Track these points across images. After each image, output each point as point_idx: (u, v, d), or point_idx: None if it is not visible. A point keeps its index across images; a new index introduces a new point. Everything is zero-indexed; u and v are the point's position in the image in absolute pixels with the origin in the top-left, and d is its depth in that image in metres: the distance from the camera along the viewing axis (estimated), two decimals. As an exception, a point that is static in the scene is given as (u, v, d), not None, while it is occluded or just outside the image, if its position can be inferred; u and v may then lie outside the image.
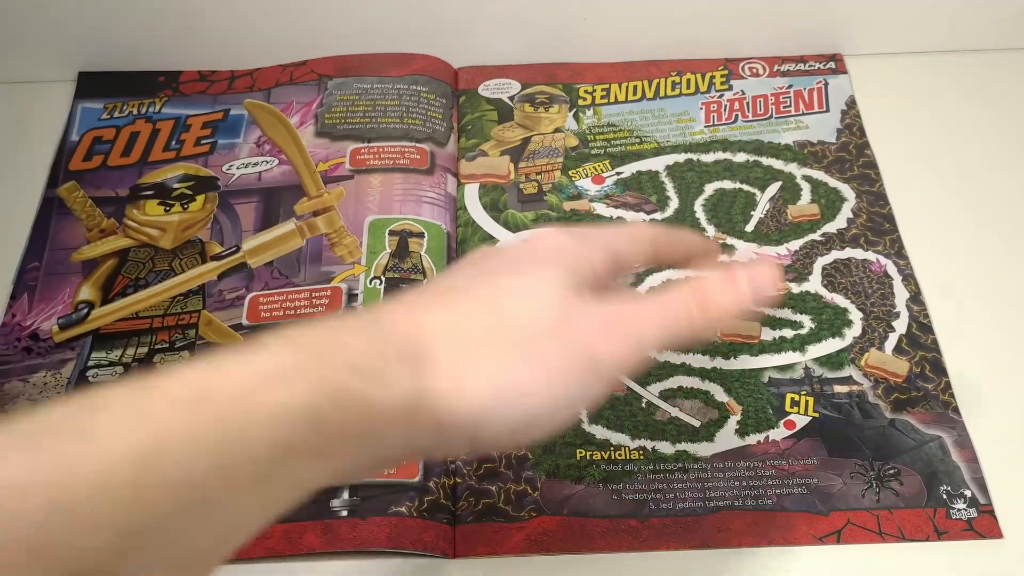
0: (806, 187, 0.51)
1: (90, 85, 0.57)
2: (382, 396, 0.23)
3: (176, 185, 0.53)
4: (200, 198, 0.52)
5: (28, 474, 0.18)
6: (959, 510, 0.40)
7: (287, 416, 0.21)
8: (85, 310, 0.48)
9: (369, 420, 0.23)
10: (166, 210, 0.52)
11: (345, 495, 0.40)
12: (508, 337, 0.25)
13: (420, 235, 0.49)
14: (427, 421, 0.24)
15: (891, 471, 0.41)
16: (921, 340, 0.45)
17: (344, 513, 0.39)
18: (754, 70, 0.57)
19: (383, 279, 0.47)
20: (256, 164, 0.53)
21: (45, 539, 0.17)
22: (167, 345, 0.46)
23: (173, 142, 0.55)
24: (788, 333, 0.46)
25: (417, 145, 0.53)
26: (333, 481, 0.24)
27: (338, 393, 0.22)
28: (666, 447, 0.42)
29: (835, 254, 0.49)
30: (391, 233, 0.49)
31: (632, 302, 0.28)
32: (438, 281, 0.28)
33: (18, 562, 0.17)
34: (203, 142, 0.55)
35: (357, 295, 0.47)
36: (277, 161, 0.53)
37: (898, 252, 0.49)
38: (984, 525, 0.39)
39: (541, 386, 0.25)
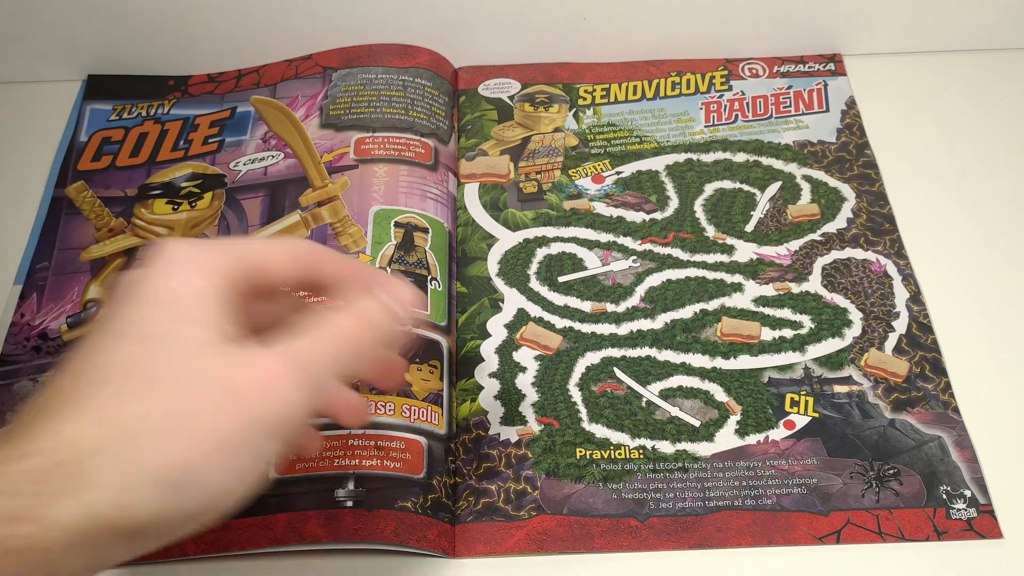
0: (806, 187, 0.51)
1: (99, 87, 0.58)
2: (48, 536, 0.22)
3: (184, 184, 0.53)
4: (208, 196, 0.53)
5: None
6: (959, 510, 0.40)
7: None
8: (94, 309, 0.48)
9: (44, 556, 0.22)
10: (174, 209, 0.52)
11: (350, 485, 0.40)
12: (161, 425, 0.23)
13: (425, 230, 0.50)
14: (108, 536, 0.23)
15: (891, 471, 0.41)
16: (921, 340, 0.45)
17: (349, 504, 0.40)
18: (754, 71, 0.57)
19: (389, 270, 0.48)
20: (262, 159, 0.54)
21: None
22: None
23: (181, 142, 0.55)
24: (788, 333, 0.46)
25: (422, 139, 0.53)
26: None
27: None
28: (666, 446, 0.42)
29: (835, 254, 0.49)
30: (396, 225, 0.49)
31: (296, 338, 0.26)
32: (74, 367, 0.25)
33: None
34: (211, 140, 0.55)
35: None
36: (283, 155, 0.54)
37: (898, 252, 0.49)
38: (984, 525, 0.39)
39: (210, 468, 0.24)
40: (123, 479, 0.23)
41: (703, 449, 0.42)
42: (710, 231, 0.50)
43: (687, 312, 0.47)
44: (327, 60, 0.57)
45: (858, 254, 0.49)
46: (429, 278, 0.47)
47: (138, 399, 0.23)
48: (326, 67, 0.57)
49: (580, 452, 0.42)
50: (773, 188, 0.52)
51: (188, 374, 0.24)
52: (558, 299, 0.48)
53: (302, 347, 0.26)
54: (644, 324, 0.46)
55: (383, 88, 0.55)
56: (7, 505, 0.22)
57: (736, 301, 0.47)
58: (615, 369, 0.45)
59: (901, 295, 0.47)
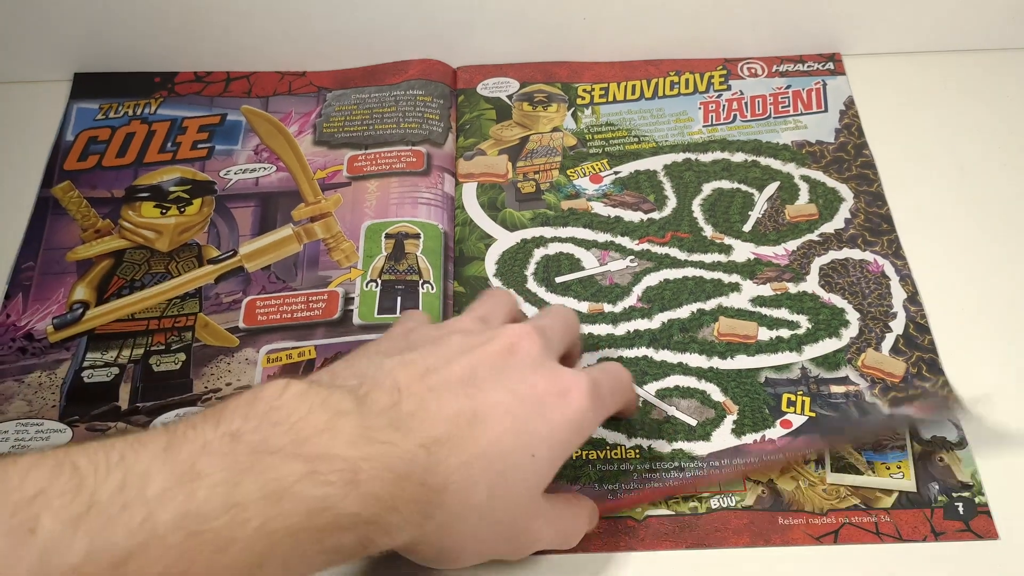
0: (804, 187, 0.51)
1: (85, 86, 0.57)
2: (379, 546, 0.29)
3: (172, 188, 0.53)
4: (197, 202, 0.52)
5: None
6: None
7: (338, 556, 0.28)
8: (80, 310, 0.48)
9: (384, 544, 0.29)
10: (162, 212, 0.52)
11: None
12: (495, 518, 0.31)
13: (416, 236, 0.49)
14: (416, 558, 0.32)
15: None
16: (918, 340, 0.45)
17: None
18: (752, 70, 0.57)
19: (379, 282, 0.47)
20: (254, 170, 0.53)
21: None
22: (163, 347, 0.46)
23: (169, 144, 0.55)
24: (785, 333, 0.45)
25: (413, 148, 0.53)
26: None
27: (371, 547, 0.28)
28: (662, 446, 0.42)
29: (832, 254, 0.48)
30: (387, 236, 0.49)
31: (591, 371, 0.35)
32: (472, 374, 0.32)
33: None
34: (200, 146, 0.55)
35: (353, 298, 0.47)
36: (275, 168, 0.53)
37: (896, 252, 0.49)
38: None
39: (485, 551, 0.33)
40: (456, 545, 0.31)
41: (699, 448, 0.42)
42: (708, 231, 0.50)
43: (684, 312, 0.46)
44: (321, 80, 0.57)
45: (856, 254, 0.48)
46: (421, 282, 0.47)
47: (494, 474, 0.31)
48: (320, 87, 0.57)
49: (576, 452, 0.41)
50: (771, 188, 0.51)
51: (524, 491, 0.32)
52: (555, 300, 0.47)
53: (595, 376, 0.34)
54: (641, 324, 0.46)
55: (376, 106, 0.55)
56: (394, 522, 0.28)
57: (733, 301, 0.47)
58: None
59: (898, 295, 0.47)
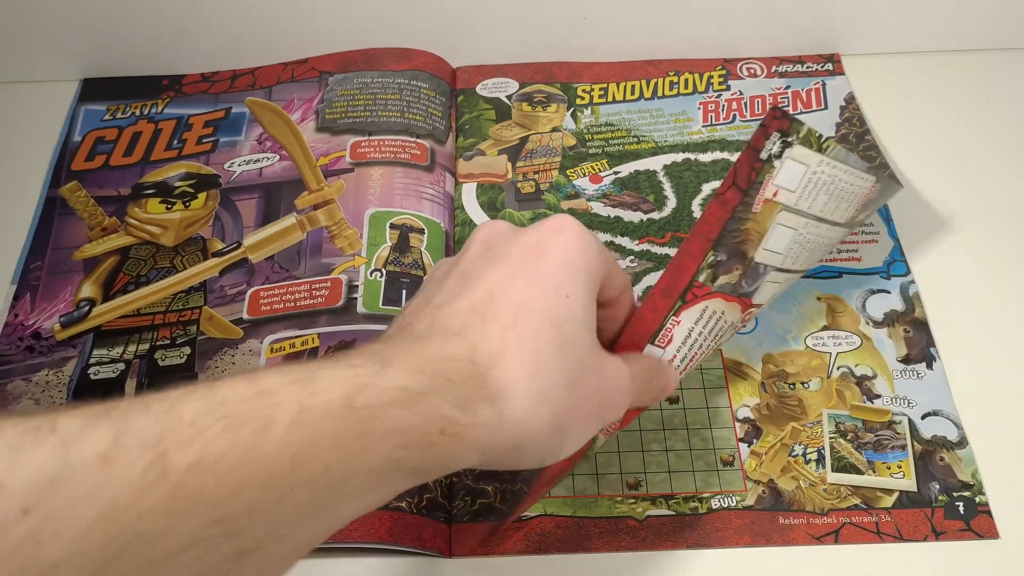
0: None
1: (94, 89, 0.58)
2: (471, 430, 0.26)
3: (178, 183, 0.53)
4: (202, 196, 0.52)
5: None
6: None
7: (406, 441, 0.24)
8: (87, 307, 0.48)
9: (458, 449, 0.26)
10: (168, 208, 0.52)
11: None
12: (571, 362, 0.28)
13: (421, 231, 0.49)
14: (497, 448, 0.27)
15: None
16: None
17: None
18: (752, 70, 0.57)
19: (383, 272, 0.47)
20: (257, 160, 0.53)
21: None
22: (168, 341, 0.46)
23: (175, 141, 0.55)
24: (786, 333, 0.46)
25: (418, 140, 0.53)
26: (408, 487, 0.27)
27: (446, 425, 0.25)
28: (664, 447, 0.42)
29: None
30: (392, 227, 0.49)
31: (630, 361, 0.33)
32: (477, 272, 0.30)
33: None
34: (205, 140, 0.55)
35: (357, 286, 0.47)
36: (278, 157, 0.54)
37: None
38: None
39: (585, 415, 0.29)
40: (532, 406, 0.27)
41: (701, 449, 0.42)
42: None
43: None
44: (323, 64, 0.57)
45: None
46: (425, 278, 0.47)
47: (552, 354, 0.28)
48: (322, 71, 0.57)
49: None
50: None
51: (585, 343, 0.29)
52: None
53: (635, 369, 0.32)
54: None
55: (379, 92, 0.55)
56: (456, 392, 0.26)
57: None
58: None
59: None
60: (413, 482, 0.26)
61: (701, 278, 0.33)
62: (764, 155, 0.31)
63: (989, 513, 0.40)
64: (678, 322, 0.34)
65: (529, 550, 0.39)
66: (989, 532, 0.39)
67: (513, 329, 0.28)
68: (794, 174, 0.32)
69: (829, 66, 0.57)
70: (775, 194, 0.32)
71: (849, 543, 0.39)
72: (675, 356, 0.35)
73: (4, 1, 0.54)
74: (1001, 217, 0.50)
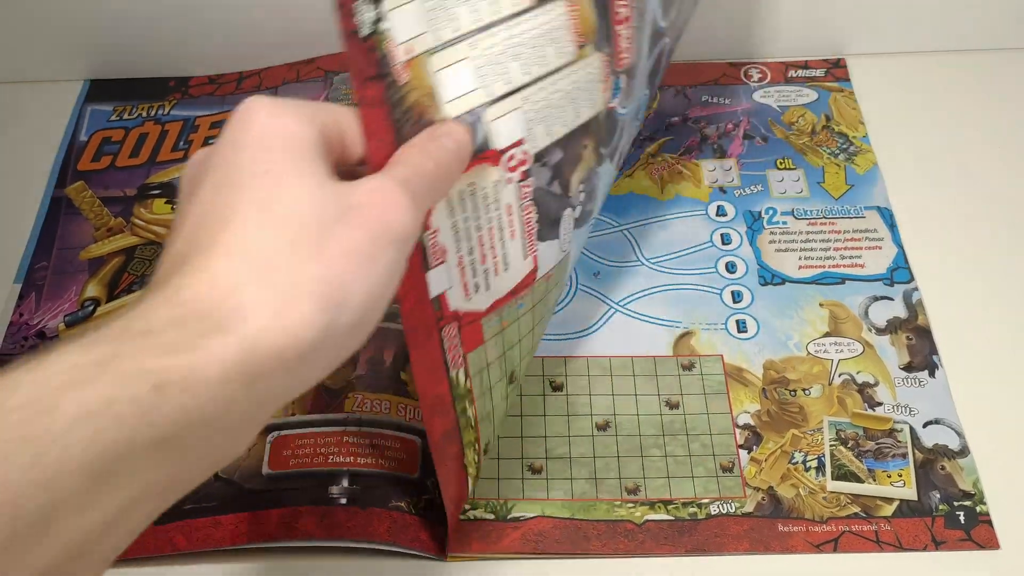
0: (809, 193, 0.51)
1: (101, 90, 0.58)
2: (206, 364, 0.21)
3: (183, 185, 0.53)
4: (208, 197, 0.53)
5: None
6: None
7: (94, 418, 0.20)
8: (91, 307, 0.48)
9: (204, 393, 0.21)
10: (173, 208, 0.52)
11: (344, 482, 0.40)
12: (300, 250, 0.24)
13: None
14: (272, 365, 0.22)
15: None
16: (922, 347, 0.45)
17: (343, 501, 0.40)
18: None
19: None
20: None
21: None
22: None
23: (181, 142, 0.55)
24: (788, 339, 0.46)
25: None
26: (207, 469, 0.23)
27: (154, 377, 0.21)
28: (663, 452, 0.42)
29: (836, 259, 0.49)
30: None
31: (396, 167, 0.27)
32: (196, 214, 0.25)
33: None
34: (211, 141, 0.55)
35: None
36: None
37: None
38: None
39: (355, 278, 0.24)
40: (278, 302, 0.23)
41: (701, 455, 0.42)
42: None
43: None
44: (329, 64, 0.57)
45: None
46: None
47: (271, 233, 0.24)
48: (327, 71, 0.57)
49: (577, 456, 0.41)
50: (774, 193, 0.51)
51: (310, 201, 0.25)
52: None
53: (405, 172, 0.27)
54: (643, 328, 0.46)
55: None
56: (161, 341, 0.21)
57: (736, 306, 0.47)
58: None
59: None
60: (184, 459, 0.22)
61: None
62: (365, 31, 0.27)
63: (990, 523, 0.39)
64: None
65: (526, 552, 0.39)
66: (990, 542, 0.39)
67: (225, 235, 0.24)
68: (408, 18, 0.27)
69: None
70: (410, 52, 0.27)
71: (848, 551, 0.39)
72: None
73: (12, 1, 0.54)
74: (1006, 225, 0.50)
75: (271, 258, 0.23)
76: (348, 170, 0.27)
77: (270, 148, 0.25)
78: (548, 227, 0.34)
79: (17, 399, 0.20)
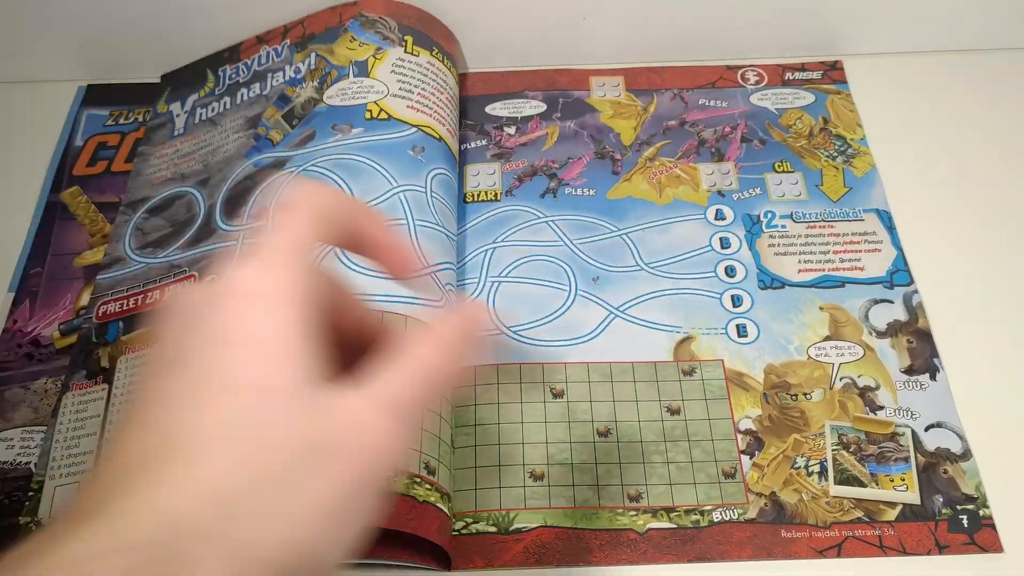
0: (808, 196, 0.51)
1: (96, 94, 0.58)
2: None
3: (178, 191, 0.53)
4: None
5: None
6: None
7: None
8: (83, 318, 0.48)
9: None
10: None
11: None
12: (266, 499, 0.20)
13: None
14: None
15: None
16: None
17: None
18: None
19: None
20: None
21: None
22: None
23: (176, 147, 0.55)
24: (789, 343, 0.45)
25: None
26: None
27: None
28: (665, 458, 0.42)
29: (837, 264, 0.48)
30: None
31: (385, 378, 0.23)
32: (148, 422, 0.21)
33: None
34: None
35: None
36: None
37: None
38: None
39: (321, 540, 0.20)
40: (237, 569, 0.19)
41: (703, 461, 0.42)
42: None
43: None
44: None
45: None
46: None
47: (235, 468, 0.20)
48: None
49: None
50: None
51: (282, 434, 0.20)
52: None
53: (393, 391, 0.23)
54: (644, 334, 0.46)
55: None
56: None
57: (736, 311, 0.47)
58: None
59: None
60: None
61: None
62: None
63: (993, 527, 0.39)
64: None
65: (529, 563, 0.39)
66: (993, 546, 0.39)
67: (171, 473, 0.20)
68: None
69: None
70: None
71: (852, 556, 0.39)
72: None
73: (8, 3, 0.54)
74: (1005, 226, 0.50)
75: (234, 508, 0.19)
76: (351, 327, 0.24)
77: (244, 350, 0.21)
78: None
79: None
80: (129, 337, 0.46)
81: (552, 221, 0.51)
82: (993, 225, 0.50)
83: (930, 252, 0.49)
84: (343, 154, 0.47)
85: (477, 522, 0.40)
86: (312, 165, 0.47)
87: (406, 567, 0.38)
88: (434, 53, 0.53)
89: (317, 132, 0.49)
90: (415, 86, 0.51)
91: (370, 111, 0.49)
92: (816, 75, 0.57)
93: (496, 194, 0.52)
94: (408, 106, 0.50)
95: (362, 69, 0.51)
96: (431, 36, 0.54)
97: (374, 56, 0.51)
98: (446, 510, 0.38)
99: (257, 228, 0.23)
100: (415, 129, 0.49)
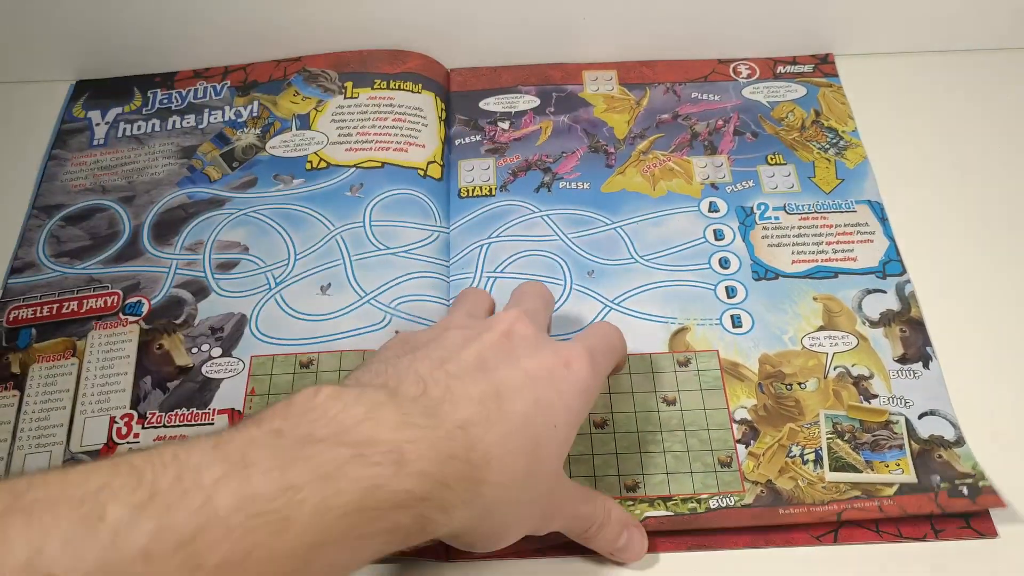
0: (801, 188, 0.52)
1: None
2: (445, 527, 0.29)
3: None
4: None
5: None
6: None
7: (396, 538, 0.28)
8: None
9: (425, 537, 0.29)
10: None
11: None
12: (534, 489, 0.32)
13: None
14: (451, 535, 0.31)
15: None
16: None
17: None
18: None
19: None
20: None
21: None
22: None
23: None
24: (783, 333, 0.46)
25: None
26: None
27: (427, 525, 0.28)
28: (662, 448, 0.42)
29: (830, 254, 0.49)
30: None
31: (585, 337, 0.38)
32: (495, 363, 0.33)
33: None
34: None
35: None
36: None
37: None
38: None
39: (526, 526, 0.34)
40: (494, 514, 0.31)
41: (699, 450, 0.42)
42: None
43: (682, 313, 0.47)
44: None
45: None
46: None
47: (525, 453, 0.31)
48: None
49: (576, 454, 0.41)
50: (766, 189, 0.52)
51: (550, 456, 0.33)
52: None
53: (589, 343, 0.36)
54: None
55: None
56: (445, 498, 0.29)
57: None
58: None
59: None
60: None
61: None
62: None
63: (994, 491, 0.39)
64: None
65: (527, 553, 0.39)
66: (988, 531, 0.39)
67: (510, 440, 0.30)
68: None
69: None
70: None
71: (848, 543, 0.39)
72: None
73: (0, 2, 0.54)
74: (996, 216, 0.50)
75: (517, 486, 0.32)
76: None
77: (570, 409, 0.34)
78: None
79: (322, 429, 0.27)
80: (43, 345, 0.46)
81: (546, 216, 0.51)
82: (984, 215, 0.50)
83: (922, 242, 0.49)
84: (284, 204, 0.51)
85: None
86: (254, 212, 0.51)
87: (404, 558, 0.39)
88: (376, 85, 0.55)
89: (259, 179, 0.52)
90: (353, 128, 0.54)
91: (311, 161, 0.52)
92: (807, 68, 0.57)
93: (491, 189, 0.52)
94: (346, 149, 0.53)
95: (304, 122, 0.54)
96: (374, 69, 0.56)
97: (315, 108, 0.55)
98: None
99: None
100: (353, 169, 0.52)
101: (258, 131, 0.54)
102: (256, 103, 0.56)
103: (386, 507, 0.27)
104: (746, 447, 0.42)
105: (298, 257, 0.49)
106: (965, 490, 0.40)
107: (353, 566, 0.27)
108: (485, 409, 0.30)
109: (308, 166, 0.52)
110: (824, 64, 0.57)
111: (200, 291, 0.47)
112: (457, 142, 0.55)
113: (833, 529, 0.40)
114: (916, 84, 0.56)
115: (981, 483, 0.40)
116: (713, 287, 0.48)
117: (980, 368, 0.44)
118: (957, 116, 0.54)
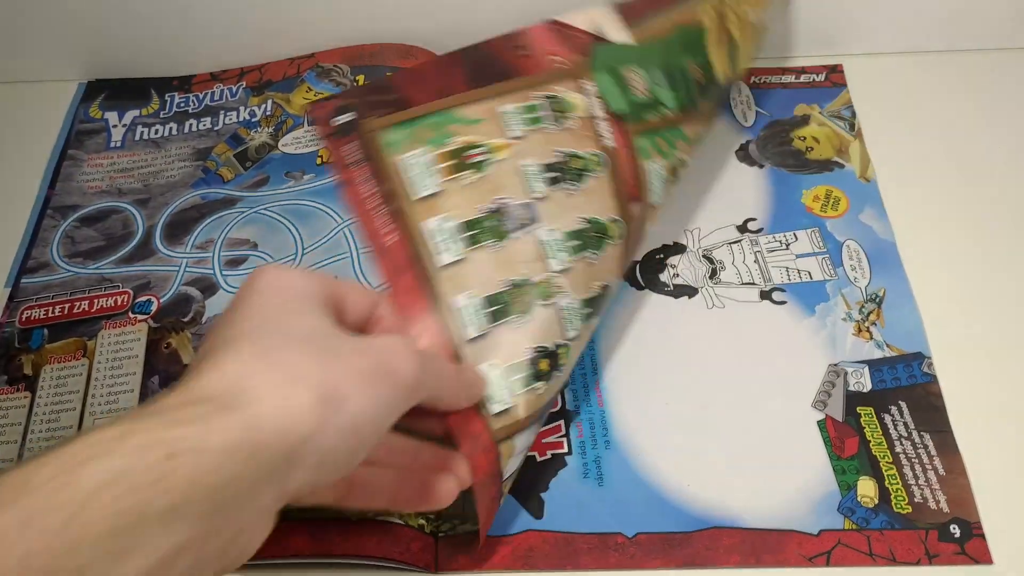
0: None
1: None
2: (213, 436, 0.24)
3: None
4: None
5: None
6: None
7: (111, 486, 0.22)
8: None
9: (211, 462, 0.23)
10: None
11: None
12: (310, 361, 0.27)
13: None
14: (272, 444, 0.25)
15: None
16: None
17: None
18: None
19: None
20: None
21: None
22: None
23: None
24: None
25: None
26: (216, 555, 0.24)
27: (166, 447, 0.23)
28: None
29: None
30: None
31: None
32: (219, 330, 0.29)
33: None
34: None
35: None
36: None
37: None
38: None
39: (354, 387, 0.27)
40: (281, 390, 0.25)
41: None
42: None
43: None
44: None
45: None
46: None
47: (285, 348, 0.27)
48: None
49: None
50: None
51: (322, 330, 0.28)
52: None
53: (423, 351, 0.30)
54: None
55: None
56: (173, 417, 0.24)
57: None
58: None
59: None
60: (195, 526, 0.23)
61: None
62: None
63: (983, 537, 0.39)
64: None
65: (516, 566, 0.39)
66: (983, 557, 0.39)
67: (237, 341, 0.27)
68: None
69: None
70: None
71: (841, 566, 0.39)
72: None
73: (6, 1, 0.54)
74: (1001, 217, 0.49)
75: (278, 359, 0.26)
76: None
77: (282, 292, 0.29)
78: None
79: (46, 472, 0.21)
80: (54, 346, 0.46)
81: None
82: (992, 223, 0.49)
83: (926, 248, 0.48)
84: (294, 200, 0.51)
85: (464, 523, 0.40)
86: (264, 209, 0.51)
87: (391, 567, 0.39)
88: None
89: (271, 177, 0.52)
90: None
91: (321, 156, 0.52)
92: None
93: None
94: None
95: None
96: (386, 63, 0.55)
97: None
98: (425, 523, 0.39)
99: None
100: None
101: (271, 129, 0.54)
102: (270, 102, 0.56)
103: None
104: (742, 464, 0.42)
105: (305, 251, 0.49)
106: (957, 532, 0.39)
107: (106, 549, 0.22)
108: (205, 354, 0.28)
109: (319, 161, 0.52)
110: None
111: (208, 288, 0.48)
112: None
113: (826, 551, 0.39)
114: (921, 84, 0.55)
115: (973, 523, 0.39)
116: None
117: (982, 370, 0.44)
118: (962, 117, 0.54)
